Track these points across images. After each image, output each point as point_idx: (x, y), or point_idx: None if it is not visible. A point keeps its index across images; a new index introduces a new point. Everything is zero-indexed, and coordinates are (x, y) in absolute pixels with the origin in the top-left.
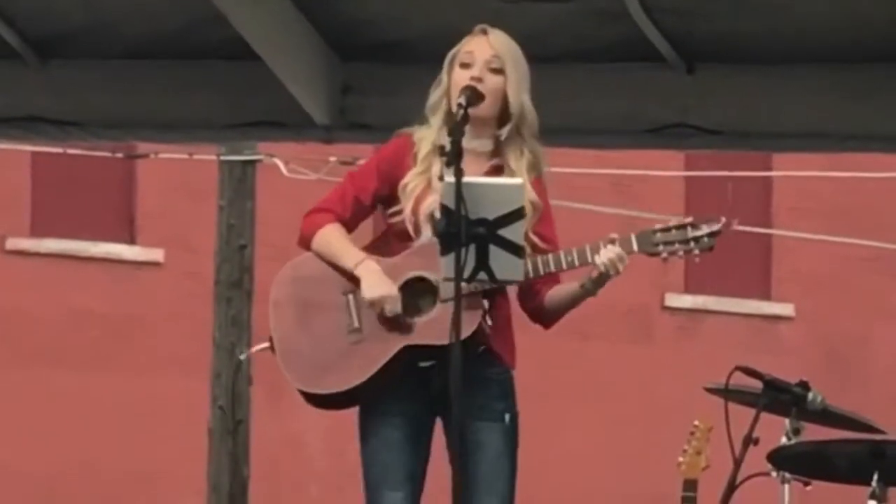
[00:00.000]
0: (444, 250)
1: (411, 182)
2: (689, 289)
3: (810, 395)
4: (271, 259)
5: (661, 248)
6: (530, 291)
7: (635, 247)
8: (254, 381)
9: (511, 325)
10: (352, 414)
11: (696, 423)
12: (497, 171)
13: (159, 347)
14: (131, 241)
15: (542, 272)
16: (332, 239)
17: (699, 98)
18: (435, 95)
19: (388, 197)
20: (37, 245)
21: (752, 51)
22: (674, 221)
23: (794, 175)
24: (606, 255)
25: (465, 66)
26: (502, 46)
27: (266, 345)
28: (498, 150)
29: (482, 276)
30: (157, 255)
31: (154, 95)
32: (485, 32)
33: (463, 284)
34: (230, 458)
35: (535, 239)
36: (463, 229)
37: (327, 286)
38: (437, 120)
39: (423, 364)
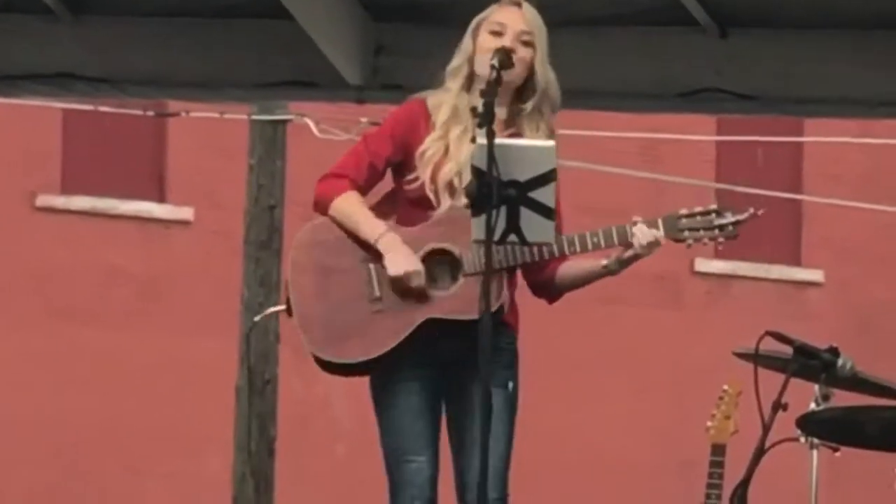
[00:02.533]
0: (476, 212)
1: (430, 149)
2: (718, 254)
3: (840, 361)
4: (301, 219)
5: (686, 234)
6: (538, 265)
7: (662, 233)
8: (282, 341)
9: (514, 293)
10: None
11: (725, 387)
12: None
13: (188, 306)
14: (161, 199)
15: (567, 252)
16: (351, 207)
17: (732, 62)
18: (457, 60)
19: (401, 163)
20: (67, 202)
21: (785, 15)
22: (699, 208)
23: (826, 141)
24: (645, 237)
25: (495, 34)
26: (534, 21)
27: (283, 307)
28: (512, 120)
29: (513, 238)
30: (186, 213)
31: (186, 53)
32: (518, 5)
33: (477, 260)
34: (257, 418)
35: None
36: (495, 191)
37: (347, 252)
38: (455, 84)
39: (436, 335)
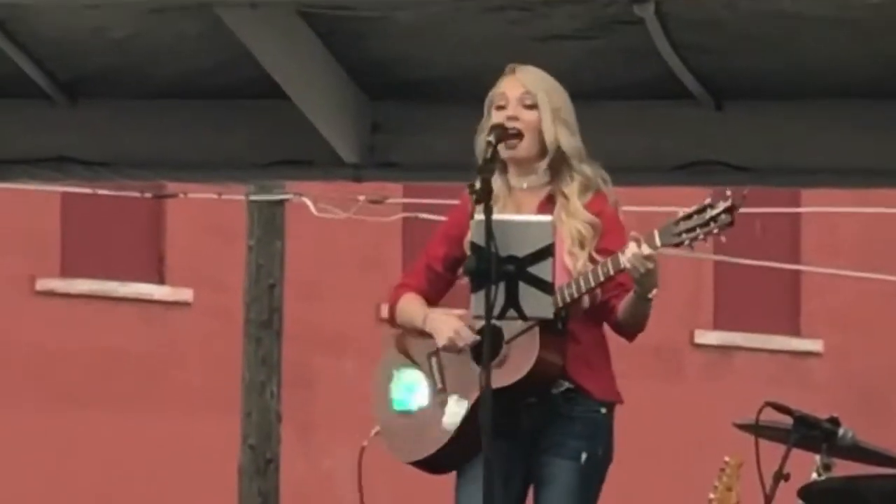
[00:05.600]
0: (474, 288)
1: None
2: (718, 325)
3: (841, 431)
4: (300, 298)
5: (683, 236)
6: (606, 308)
7: (658, 242)
8: (283, 421)
9: (604, 357)
10: (381, 452)
11: (727, 459)
12: (550, 200)
13: (189, 387)
14: (161, 281)
15: (584, 289)
16: (407, 307)
17: (727, 135)
18: (480, 141)
19: (462, 259)
20: (67, 285)
21: (780, 87)
22: (693, 207)
23: (823, 211)
24: (630, 251)
25: (500, 107)
26: (532, 81)
27: (377, 428)
28: (552, 180)
29: (511, 313)
30: (186, 294)
31: (183, 135)
32: (514, 71)
33: (519, 322)
34: (261, 497)
35: (598, 257)
36: (493, 267)
37: (415, 356)
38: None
39: (513, 406)
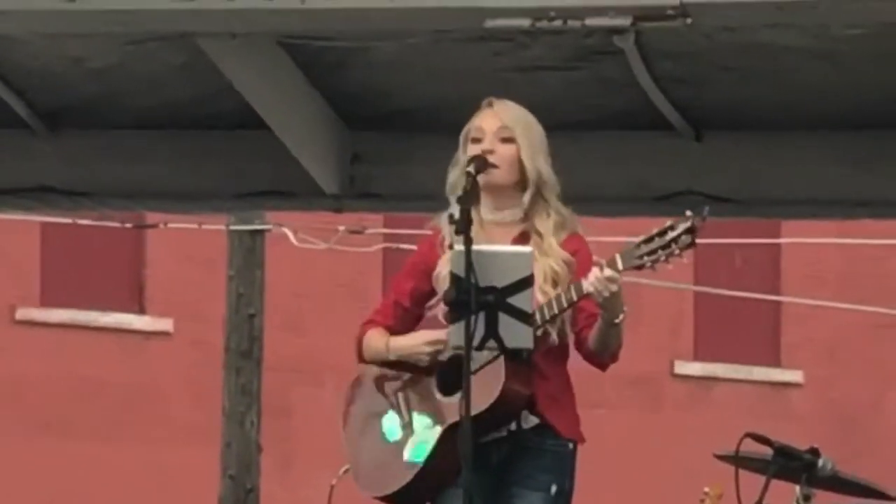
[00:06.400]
0: (454, 318)
1: (443, 269)
2: (698, 356)
3: (820, 462)
4: (281, 328)
5: (645, 259)
6: (579, 339)
7: (621, 265)
8: (264, 451)
9: (570, 396)
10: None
11: (707, 489)
12: (523, 237)
13: (169, 417)
14: (141, 310)
15: (548, 316)
16: (371, 342)
17: (707, 165)
18: (453, 175)
19: (430, 293)
20: (47, 315)
21: (760, 118)
22: (654, 230)
23: (803, 242)
24: (592, 276)
25: (476, 140)
26: (509, 115)
27: (347, 466)
28: (526, 216)
29: (491, 343)
30: (166, 324)
31: (163, 165)
32: (491, 105)
33: (484, 354)
34: None
35: None
36: (473, 297)
37: (383, 389)
38: (456, 199)
39: (483, 440)
